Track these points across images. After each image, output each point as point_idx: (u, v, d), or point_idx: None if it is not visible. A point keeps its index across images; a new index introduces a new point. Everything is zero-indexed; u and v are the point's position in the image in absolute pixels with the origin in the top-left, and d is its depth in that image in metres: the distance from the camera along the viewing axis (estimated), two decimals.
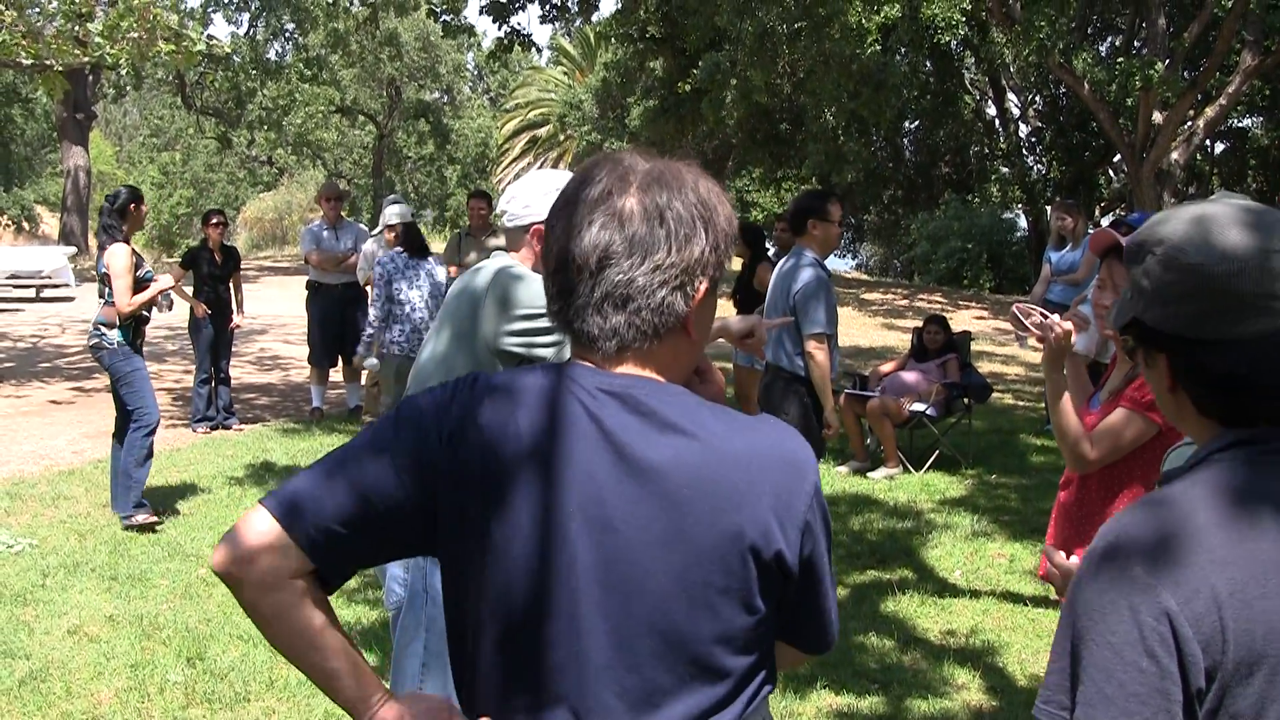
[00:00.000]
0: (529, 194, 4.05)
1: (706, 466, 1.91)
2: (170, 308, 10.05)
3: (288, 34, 41.35)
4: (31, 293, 26.04)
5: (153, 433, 9.33)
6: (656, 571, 1.90)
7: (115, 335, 9.24)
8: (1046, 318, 4.14)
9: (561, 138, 49.03)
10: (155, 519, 9.24)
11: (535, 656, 1.96)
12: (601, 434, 1.94)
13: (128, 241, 9.35)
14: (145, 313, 9.44)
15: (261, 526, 1.99)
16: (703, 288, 2.02)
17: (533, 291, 3.92)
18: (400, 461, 1.99)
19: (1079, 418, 4.27)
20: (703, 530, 1.90)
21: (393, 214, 11.38)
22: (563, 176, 4.02)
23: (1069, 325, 4.12)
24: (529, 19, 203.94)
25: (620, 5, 28.16)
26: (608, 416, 1.95)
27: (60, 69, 16.23)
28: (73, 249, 31.77)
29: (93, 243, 38.90)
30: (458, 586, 2.03)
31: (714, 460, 1.92)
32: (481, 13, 26.91)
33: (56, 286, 26.38)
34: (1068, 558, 4.34)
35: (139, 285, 9.26)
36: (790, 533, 1.94)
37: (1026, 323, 4.20)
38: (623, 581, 1.91)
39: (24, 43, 15.58)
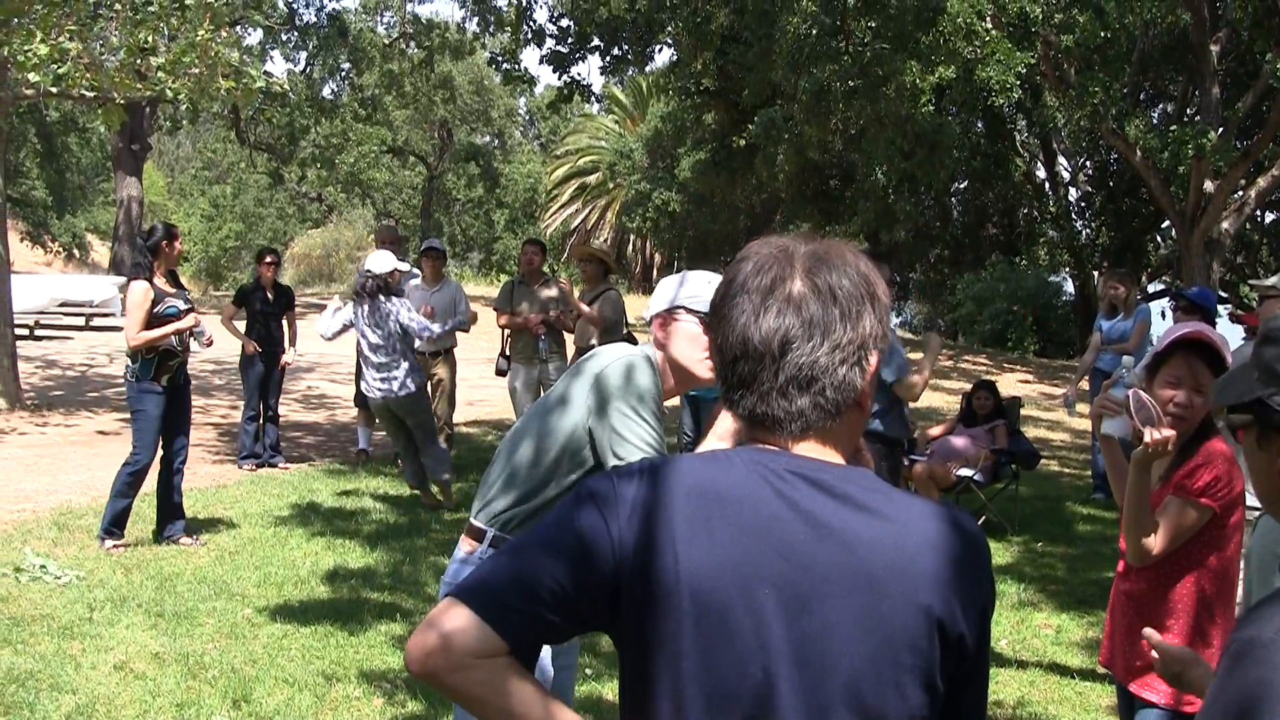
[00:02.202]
0: (669, 286, 4.09)
1: (900, 548, 1.94)
2: (209, 344, 10.14)
3: (343, 73, 41.54)
4: (81, 321, 26.20)
5: (136, 474, 9.55)
6: (851, 651, 1.91)
7: (134, 366, 9.43)
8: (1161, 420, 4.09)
9: (610, 185, 49.12)
10: (121, 546, 9.55)
11: None
12: (796, 515, 1.95)
13: (152, 279, 9.48)
14: (174, 350, 9.53)
15: (453, 614, 2.00)
16: (874, 361, 2.06)
17: (652, 388, 3.92)
18: (580, 547, 2.00)
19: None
20: (897, 610, 1.91)
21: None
22: (708, 275, 4.05)
23: (1172, 434, 4.07)
24: (589, 69, 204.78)
25: (676, 57, 28.27)
26: (801, 499, 1.96)
27: (121, 101, 16.37)
28: (123, 279, 31.94)
29: None
30: (645, 665, 2.03)
31: (907, 542, 1.94)
32: (541, 62, 27.10)
33: (105, 316, 26.52)
34: (1136, 644, 4.33)
35: (158, 321, 9.40)
36: (971, 616, 1.96)
37: (1135, 416, 4.13)
38: (818, 660, 1.92)
39: (87, 75, 15.74)
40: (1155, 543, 4.15)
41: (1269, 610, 1.86)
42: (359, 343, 10.77)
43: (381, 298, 10.66)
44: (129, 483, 9.50)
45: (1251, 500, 6.55)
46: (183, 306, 9.57)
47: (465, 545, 4.09)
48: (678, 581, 1.95)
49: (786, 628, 1.93)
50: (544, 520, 2.11)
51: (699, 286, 3.98)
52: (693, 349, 3.98)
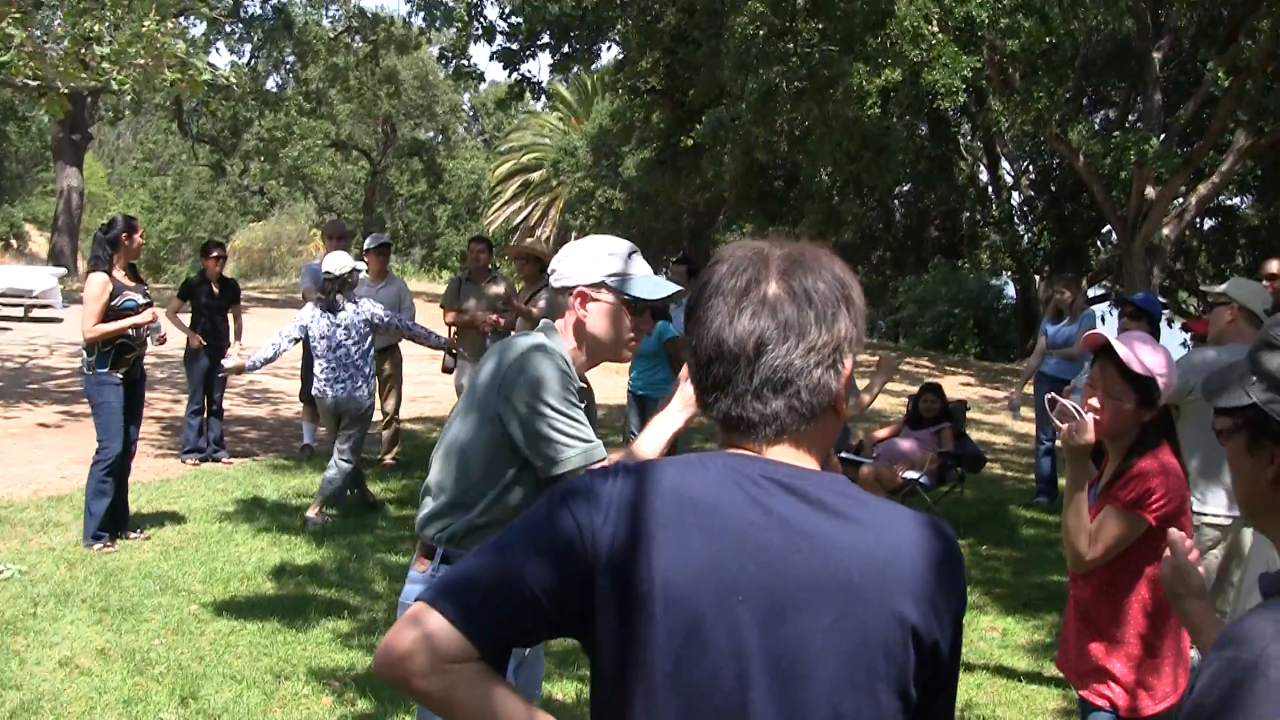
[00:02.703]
0: (580, 256, 4.02)
1: (875, 555, 1.93)
2: (162, 341, 10.06)
3: (288, 66, 41.39)
4: (20, 312, 25.93)
5: (110, 468, 9.40)
6: (826, 658, 1.91)
7: (91, 359, 9.36)
8: (1080, 413, 4.15)
9: (554, 183, 49.08)
10: (112, 549, 9.37)
11: None
12: (771, 521, 1.95)
13: (111, 271, 9.39)
14: (131, 342, 9.45)
15: (424, 618, 2.00)
16: (849, 364, 2.06)
17: (558, 375, 3.87)
18: (556, 551, 1.99)
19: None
20: (872, 616, 1.91)
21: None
22: (617, 243, 4.05)
23: (1089, 420, 4.13)
24: (539, 66, 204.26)
25: (624, 55, 28.26)
26: (776, 504, 1.96)
27: (65, 91, 16.23)
28: (62, 270, 31.69)
29: (82, 264, 38.87)
30: (618, 671, 2.02)
31: (882, 549, 1.94)
32: (492, 59, 27.05)
33: (45, 307, 26.26)
34: (1084, 650, 4.39)
35: (116, 315, 9.32)
36: (945, 623, 1.96)
37: (1052, 415, 4.20)
38: (793, 667, 1.91)
39: (30, 63, 15.60)
40: (1090, 551, 4.21)
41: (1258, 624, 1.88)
42: (313, 343, 10.67)
43: (340, 299, 10.60)
44: (104, 479, 9.37)
45: (1213, 509, 6.59)
46: (141, 300, 9.49)
47: (419, 564, 4.08)
48: (651, 587, 1.95)
49: (761, 635, 1.92)
50: (519, 520, 2.10)
51: (622, 262, 3.98)
52: (616, 329, 3.98)
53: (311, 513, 10.58)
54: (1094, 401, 4.22)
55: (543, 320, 4.14)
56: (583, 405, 4.01)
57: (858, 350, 2.09)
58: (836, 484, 2.02)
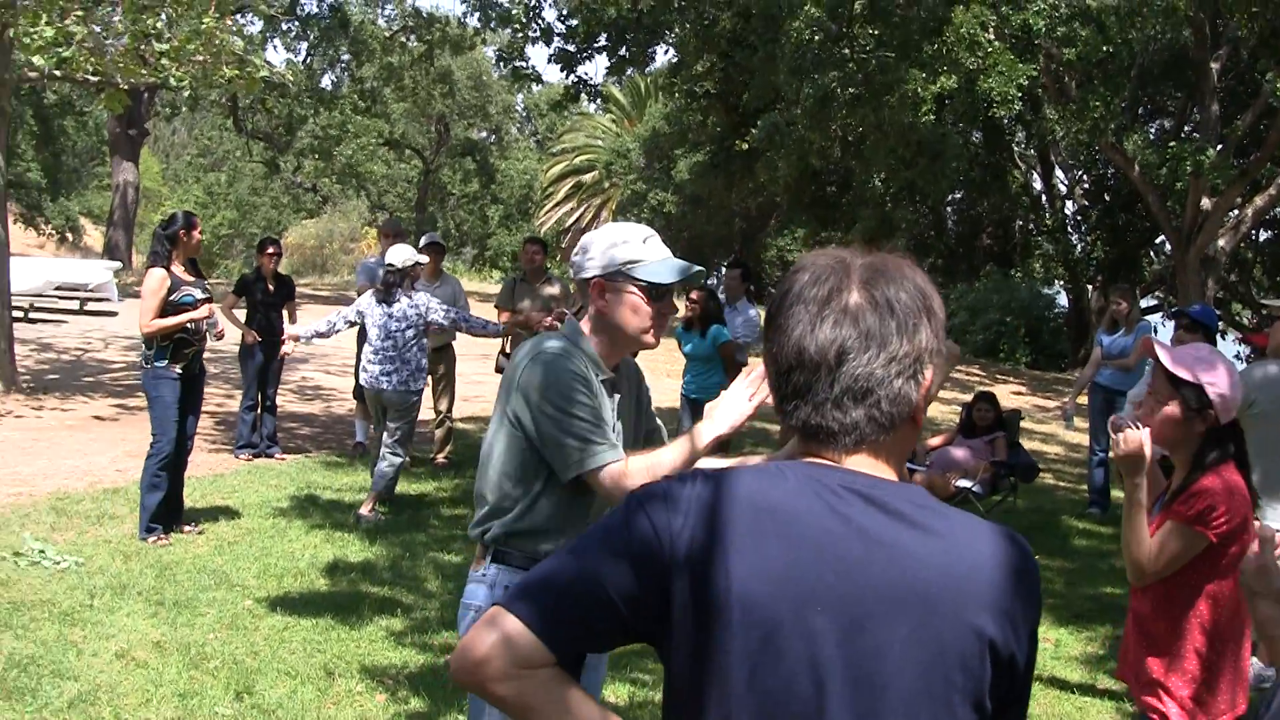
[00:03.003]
0: (594, 247, 4.02)
1: (954, 566, 1.93)
2: (220, 337, 10.12)
3: (343, 64, 41.55)
4: (76, 305, 26.15)
5: (165, 462, 9.46)
6: (903, 670, 1.91)
7: (149, 353, 9.45)
8: (1135, 425, 4.14)
9: (606, 185, 49.11)
10: (166, 542, 9.44)
11: None
12: (850, 531, 1.95)
13: (169, 266, 9.47)
14: (189, 337, 9.52)
15: (500, 623, 2.01)
16: (929, 375, 2.06)
17: (567, 376, 3.87)
18: (633, 554, 2.00)
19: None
20: (950, 628, 1.91)
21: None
22: (631, 230, 4.06)
23: (1140, 435, 4.11)
24: (596, 68, 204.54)
25: (678, 59, 28.25)
26: (855, 515, 1.96)
27: (124, 86, 16.35)
28: (117, 264, 31.86)
29: (136, 258, 39.16)
30: (693, 678, 2.02)
31: (961, 561, 1.94)
32: (550, 61, 27.09)
33: (100, 300, 26.49)
34: (1142, 664, 4.37)
35: (174, 310, 9.38)
36: (1021, 636, 1.96)
37: (1114, 435, 4.19)
38: (869, 678, 1.91)
39: (91, 59, 15.72)
40: (1149, 564, 4.18)
41: None
42: (368, 333, 10.74)
43: (399, 292, 10.68)
44: (157, 473, 9.43)
45: (1276, 523, 6.55)
46: (199, 296, 9.54)
47: (476, 564, 4.11)
48: (729, 595, 1.95)
49: (838, 645, 1.92)
50: (597, 524, 2.11)
51: (637, 249, 3.97)
52: (637, 318, 3.96)
53: (365, 509, 10.65)
54: (1141, 409, 4.22)
55: (568, 318, 4.15)
56: (613, 397, 4.04)
57: (938, 362, 2.09)
58: (915, 495, 2.02)
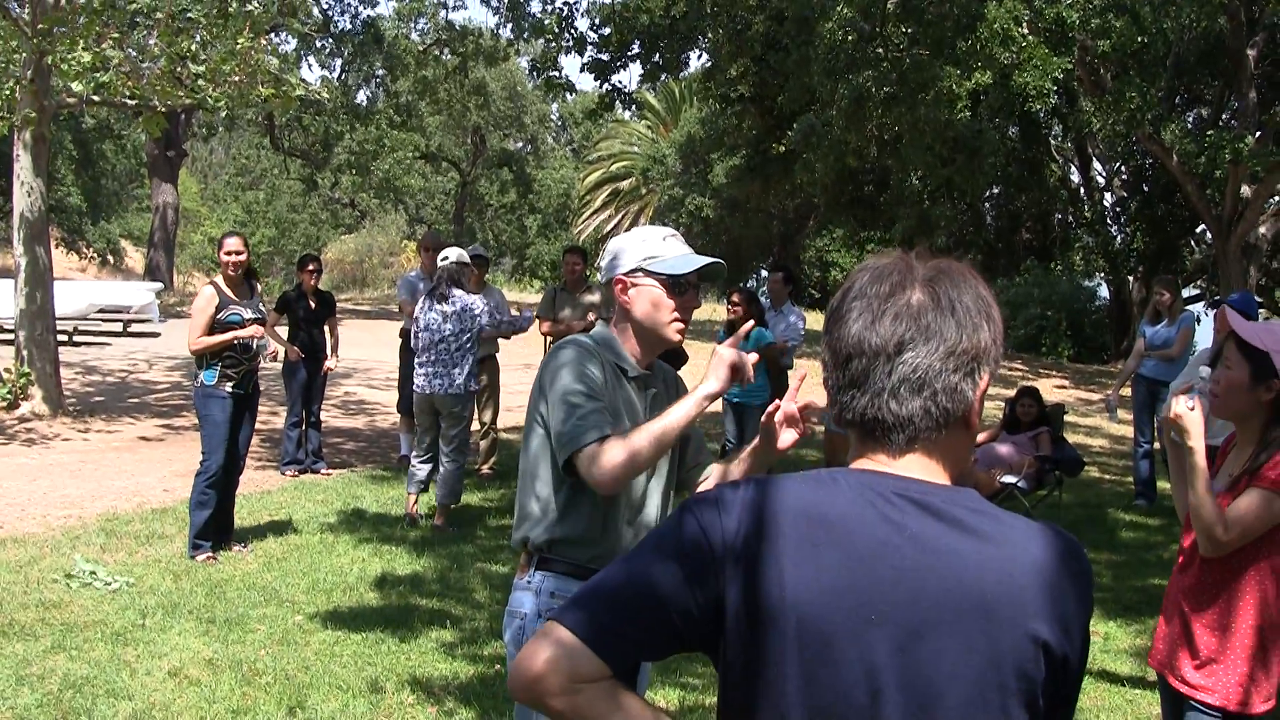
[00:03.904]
0: (617, 247, 4.06)
1: (1009, 573, 1.93)
2: (274, 358, 10.20)
3: (378, 80, 41.72)
4: (119, 327, 26.32)
5: (212, 480, 9.50)
6: (959, 676, 1.91)
7: (202, 374, 9.51)
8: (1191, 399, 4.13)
9: (644, 191, 49.17)
10: (213, 558, 9.50)
11: None
12: (904, 540, 1.95)
13: (216, 284, 9.57)
14: (239, 356, 9.56)
15: (555, 638, 2.03)
16: (986, 377, 2.06)
17: (575, 362, 3.89)
18: (685, 559, 2.01)
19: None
20: (1005, 636, 1.91)
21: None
22: (652, 230, 4.08)
23: (1190, 405, 4.10)
24: (630, 76, 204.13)
25: (712, 63, 28.26)
26: (909, 523, 1.96)
27: (162, 109, 16.47)
28: (159, 285, 32.08)
29: (178, 279, 39.34)
30: (747, 686, 2.03)
31: (1015, 567, 1.94)
32: (583, 70, 27.14)
33: (143, 322, 26.67)
34: (1179, 639, 4.33)
35: (221, 328, 9.44)
36: (1075, 639, 1.96)
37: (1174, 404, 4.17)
38: (925, 686, 1.92)
39: (129, 83, 15.84)
40: (1226, 533, 4.10)
41: None
42: (418, 335, 10.78)
43: (457, 291, 10.73)
44: (205, 491, 9.49)
45: None
46: (248, 316, 9.59)
47: (520, 571, 4.11)
48: (783, 605, 1.95)
49: (893, 654, 1.93)
50: (651, 534, 2.13)
51: (656, 245, 3.98)
52: (658, 311, 3.96)
53: (438, 521, 10.80)
54: (1217, 375, 4.21)
55: (599, 323, 4.17)
56: (647, 392, 4.06)
57: (995, 370, 2.09)
58: (969, 500, 2.01)
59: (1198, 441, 4.07)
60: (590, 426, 3.75)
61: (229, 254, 9.76)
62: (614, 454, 3.68)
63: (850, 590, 1.94)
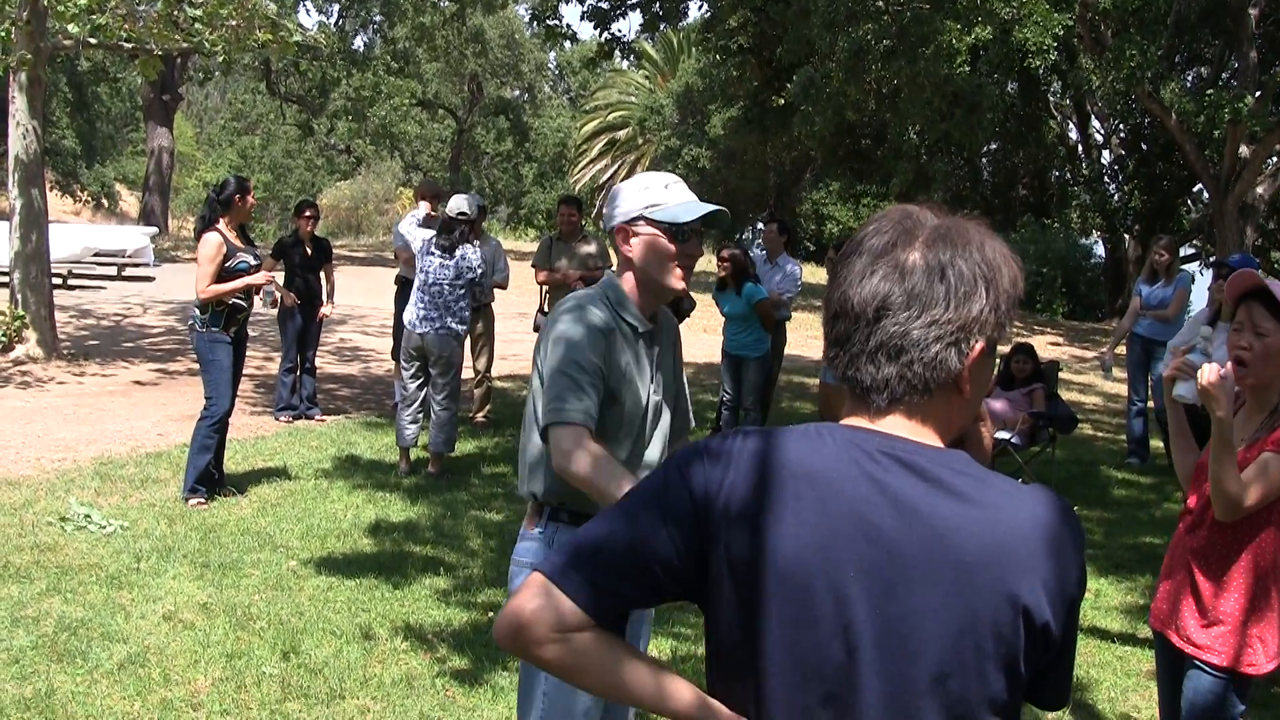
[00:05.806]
0: (619, 196, 4.04)
1: (991, 535, 1.91)
2: (275, 305, 10.19)
3: (375, 26, 41.57)
4: (113, 271, 26.24)
5: (217, 424, 9.53)
6: (935, 637, 1.91)
7: (202, 317, 9.45)
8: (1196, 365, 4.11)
9: (640, 141, 49.07)
10: (205, 504, 9.52)
11: (810, 713, 1.98)
12: (884, 499, 1.94)
13: (221, 231, 9.52)
14: (241, 302, 9.56)
15: (538, 588, 2.03)
16: (978, 347, 2.02)
17: (579, 335, 3.87)
18: (676, 510, 2.02)
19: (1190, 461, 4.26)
20: (983, 598, 1.90)
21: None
22: (653, 176, 4.05)
23: (1221, 373, 4.07)
24: (629, 25, 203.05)
25: (711, 14, 28.14)
26: (891, 481, 1.95)
27: (158, 53, 16.39)
28: (154, 229, 31.97)
29: (172, 223, 39.23)
30: (730, 638, 2.05)
31: (998, 529, 1.92)
32: (583, 19, 26.98)
33: (138, 266, 26.57)
34: (1185, 599, 4.34)
35: (228, 275, 9.42)
36: (1059, 607, 1.94)
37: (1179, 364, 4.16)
38: (901, 644, 1.92)
39: (125, 26, 15.77)
40: (1247, 494, 4.08)
41: None
42: (419, 277, 10.75)
43: (459, 240, 10.72)
44: (210, 435, 9.50)
45: None
46: (253, 262, 9.60)
47: (528, 522, 4.11)
48: (764, 557, 1.96)
49: (870, 612, 1.93)
50: (641, 483, 2.13)
51: (658, 193, 3.96)
52: (661, 260, 3.95)
53: (433, 468, 10.87)
54: (1244, 343, 4.17)
55: (607, 273, 4.16)
56: (654, 349, 4.06)
57: (997, 335, 2.05)
58: (956, 461, 2.00)
59: (1226, 413, 4.04)
60: (571, 410, 3.76)
61: (254, 199, 9.84)
62: (578, 458, 3.68)
63: (829, 545, 1.94)
